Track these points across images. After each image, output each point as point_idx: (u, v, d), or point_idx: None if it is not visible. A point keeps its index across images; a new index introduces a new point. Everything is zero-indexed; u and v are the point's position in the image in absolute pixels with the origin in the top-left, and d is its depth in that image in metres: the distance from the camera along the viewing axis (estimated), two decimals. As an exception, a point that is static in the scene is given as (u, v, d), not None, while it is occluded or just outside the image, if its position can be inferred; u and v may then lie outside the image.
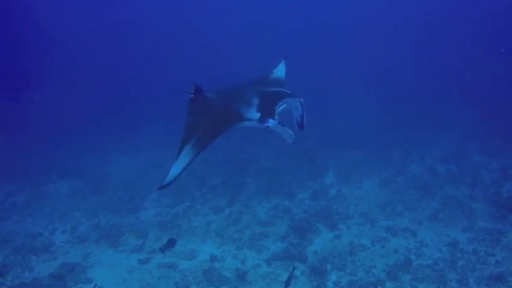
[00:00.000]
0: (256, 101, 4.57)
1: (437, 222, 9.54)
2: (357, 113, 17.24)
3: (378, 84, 21.35)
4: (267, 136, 15.93)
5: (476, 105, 16.95)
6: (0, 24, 21.06)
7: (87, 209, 11.24)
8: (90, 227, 10.41)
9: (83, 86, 22.09)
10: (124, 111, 19.48)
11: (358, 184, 11.68)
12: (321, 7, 33.21)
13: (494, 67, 21.41)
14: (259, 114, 4.39)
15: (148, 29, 30.77)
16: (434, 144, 13.92)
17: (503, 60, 21.73)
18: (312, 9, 33.76)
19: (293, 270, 7.44)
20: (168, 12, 33.92)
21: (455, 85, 20.14)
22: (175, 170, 4.18)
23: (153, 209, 11.35)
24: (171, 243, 8.54)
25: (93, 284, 7.69)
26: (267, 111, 4.40)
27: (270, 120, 4.31)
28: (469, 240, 8.79)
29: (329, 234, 9.44)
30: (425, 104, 17.94)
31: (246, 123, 4.45)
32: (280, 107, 4.47)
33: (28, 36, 23.09)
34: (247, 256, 8.92)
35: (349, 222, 9.86)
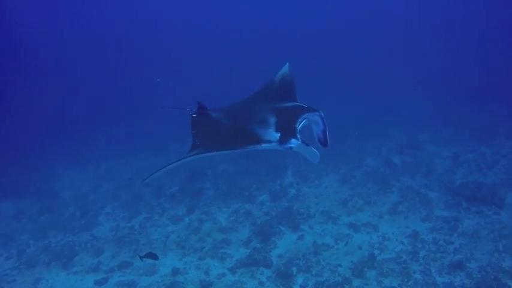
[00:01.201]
0: (272, 119, 4.07)
1: (397, 214, 9.63)
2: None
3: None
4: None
5: (425, 96, 17.53)
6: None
7: (35, 229, 10.52)
8: (39, 250, 9.71)
9: (22, 96, 20.88)
10: (68, 122, 18.53)
11: (318, 182, 11.65)
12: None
13: (443, 59, 22.33)
14: (279, 135, 3.91)
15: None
16: (388, 136, 14.18)
17: (452, 51, 22.74)
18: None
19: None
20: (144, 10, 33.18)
21: (405, 77, 20.78)
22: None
23: (108, 223, 10.78)
24: (152, 256, 7.93)
25: None
26: (287, 131, 3.93)
27: (293, 141, 3.85)
28: (428, 230, 8.92)
29: (292, 236, 9.30)
30: (377, 96, 18.34)
31: (264, 145, 3.94)
32: (300, 124, 4.03)
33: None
34: (210, 266, 8.61)
35: (311, 221, 9.76)
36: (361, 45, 28.51)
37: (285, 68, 5.39)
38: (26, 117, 18.71)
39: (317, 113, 4.14)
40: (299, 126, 4.01)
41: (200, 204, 11.12)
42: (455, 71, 20.27)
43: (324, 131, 4.12)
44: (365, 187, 11.02)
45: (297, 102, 4.72)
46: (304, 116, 4.09)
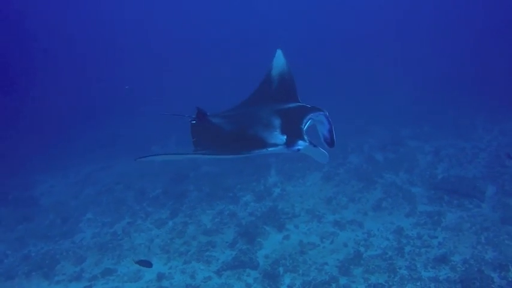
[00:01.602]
0: (277, 122, 3.94)
1: (381, 211, 9.68)
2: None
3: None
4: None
5: (404, 92, 17.74)
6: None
7: (13, 239, 10.22)
8: (18, 260, 9.43)
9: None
10: (45, 126, 18.09)
11: (302, 180, 11.63)
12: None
13: (423, 56, 22.68)
14: (285, 137, 3.78)
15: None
16: (370, 133, 14.28)
17: (431, 46, 23.11)
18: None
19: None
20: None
21: (384, 73, 20.99)
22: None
23: (90, 230, 10.55)
24: (146, 263, 7.73)
25: None
26: (293, 133, 3.80)
27: (300, 142, 3.73)
28: (412, 225, 8.99)
29: (278, 236, 9.24)
30: (357, 93, 18.48)
31: (270, 149, 3.81)
32: (306, 125, 3.91)
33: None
34: (196, 269, 8.49)
35: (296, 220, 9.73)
36: (344, 42, 28.72)
37: (280, 58, 5.09)
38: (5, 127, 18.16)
39: (321, 113, 4.04)
40: (305, 127, 3.90)
41: (184, 207, 10.98)
42: (435, 67, 20.60)
43: (330, 131, 4.02)
44: (349, 184, 11.05)
45: (299, 100, 4.60)
46: (309, 117, 3.98)
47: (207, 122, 4.48)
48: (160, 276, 8.32)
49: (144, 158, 3.64)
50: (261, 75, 5.24)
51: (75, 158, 15.51)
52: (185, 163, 13.75)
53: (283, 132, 3.84)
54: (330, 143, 4.00)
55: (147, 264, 7.57)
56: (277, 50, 5.06)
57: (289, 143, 3.76)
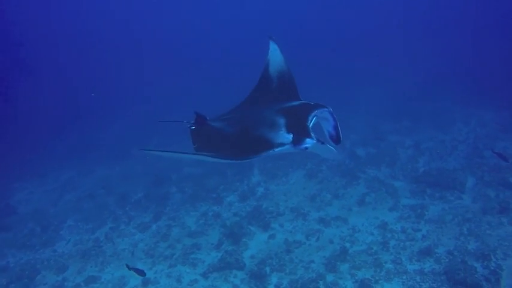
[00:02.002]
0: (281, 121, 3.81)
1: (365, 206, 9.73)
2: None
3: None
4: (183, 140, 15.36)
5: (384, 87, 17.89)
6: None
7: (-10, 250, 9.88)
8: (-3, 272, 9.13)
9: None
10: (21, 130, 17.57)
11: (285, 179, 11.61)
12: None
13: (401, 51, 22.94)
14: (292, 136, 3.67)
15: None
16: (351, 129, 14.33)
17: (407, 41, 23.37)
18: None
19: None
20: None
21: (362, 67, 21.15)
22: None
23: (71, 237, 10.30)
24: (140, 272, 7.50)
25: None
26: (299, 131, 3.68)
27: (308, 140, 3.60)
28: (396, 220, 9.06)
29: (263, 235, 9.20)
30: (335, 86, 18.52)
31: (278, 149, 3.69)
32: (311, 122, 3.78)
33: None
34: (182, 273, 8.38)
35: (281, 219, 9.70)
36: (325, 37, 28.85)
37: (275, 52, 4.79)
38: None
39: (326, 109, 3.90)
40: (310, 125, 3.77)
41: (167, 209, 10.84)
42: (413, 62, 20.86)
43: (336, 127, 3.86)
44: (332, 181, 11.08)
45: (299, 97, 4.49)
46: (313, 114, 3.84)
47: (208, 127, 4.32)
48: (145, 282, 8.18)
49: (147, 151, 3.58)
50: (258, 73, 5.03)
51: (53, 164, 15.16)
52: (167, 165, 13.59)
53: (289, 131, 3.73)
54: (336, 139, 3.84)
55: (141, 273, 7.36)
56: (270, 43, 4.79)
57: (296, 142, 3.66)
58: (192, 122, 4.48)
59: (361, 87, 18.43)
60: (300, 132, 3.68)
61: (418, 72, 19.41)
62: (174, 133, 16.20)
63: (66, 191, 12.97)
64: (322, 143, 3.67)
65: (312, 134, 3.67)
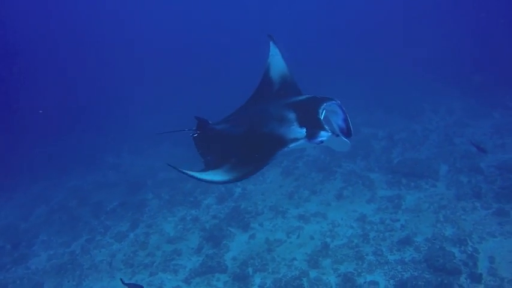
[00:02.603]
0: (291, 115, 3.62)
1: (343, 200, 9.79)
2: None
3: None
4: (159, 145, 15.10)
5: (355, 79, 18.06)
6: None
7: (-42, 272, 9.40)
8: (-34, 294, 8.71)
9: None
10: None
11: (262, 178, 11.55)
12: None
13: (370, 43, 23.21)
14: (305, 130, 3.48)
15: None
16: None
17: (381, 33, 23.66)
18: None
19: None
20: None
21: (334, 59, 21.32)
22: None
23: (45, 252, 9.93)
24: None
25: None
26: (312, 124, 3.48)
27: (322, 133, 3.42)
28: (374, 211, 9.14)
29: (243, 236, 9.11)
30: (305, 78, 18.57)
31: (292, 145, 3.48)
32: (322, 115, 3.58)
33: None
34: (163, 280, 8.20)
35: (260, 218, 9.64)
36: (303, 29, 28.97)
37: (275, 55, 4.65)
38: None
39: (334, 102, 3.72)
40: (322, 118, 3.58)
41: (144, 216, 10.60)
42: (383, 52, 21.16)
43: (346, 120, 3.68)
44: (309, 177, 11.10)
45: (302, 93, 4.34)
46: (323, 107, 3.66)
47: (211, 131, 4.12)
48: (126, 293, 7.95)
49: (178, 170, 3.30)
50: (258, 77, 4.90)
51: (22, 177, 14.58)
52: (142, 171, 13.34)
53: (301, 125, 3.55)
54: (347, 132, 3.64)
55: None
56: (271, 46, 4.65)
57: (311, 136, 3.47)
58: (194, 128, 4.28)
59: (335, 78, 18.53)
60: (313, 126, 3.50)
61: (390, 63, 19.69)
62: (146, 137, 15.95)
63: (37, 204, 12.50)
64: (337, 135, 3.55)
65: (326, 127, 3.52)
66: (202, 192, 11.21)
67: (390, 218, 8.81)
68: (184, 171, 3.36)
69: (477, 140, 11.45)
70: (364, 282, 7.17)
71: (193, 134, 4.22)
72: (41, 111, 17.81)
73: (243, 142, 3.81)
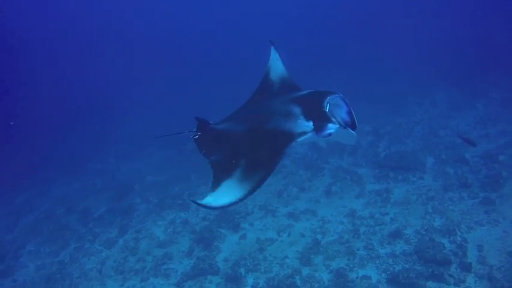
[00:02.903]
0: (297, 109, 3.58)
1: (332, 196, 9.81)
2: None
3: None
4: (145, 148, 14.95)
5: (338, 71, 18.08)
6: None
7: None
8: (-47, 310, 8.51)
9: None
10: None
11: (250, 177, 11.48)
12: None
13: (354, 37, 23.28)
14: (312, 123, 3.43)
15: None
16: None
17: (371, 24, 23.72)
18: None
19: None
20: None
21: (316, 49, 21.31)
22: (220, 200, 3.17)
23: (32, 263, 9.75)
24: None
25: None
26: (318, 117, 3.43)
27: (330, 126, 3.38)
28: (363, 206, 9.18)
29: (234, 237, 9.07)
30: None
31: (300, 139, 3.43)
32: (327, 108, 3.55)
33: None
34: (155, 285, 8.13)
35: (250, 218, 9.60)
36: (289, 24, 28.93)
37: (275, 60, 4.69)
38: None
39: (337, 95, 3.71)
40: (327, 110, 3.54)
41: (133, 222, 10.48)
42: (367, 46, 21.26)
43: (349, 112, 3.66)
44: (297, 174, 11.09)
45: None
46: (327, 100, 3.63)
47: (213, 131, 4.05)
48: (117, 300, 7.87)
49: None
50: (258, 78, 4.90)
51: (5, 186, 14.29)
52: (128, 175, 13.18)
53: (307, 119, 3.51)
54: (352, 125, 3.60)
55: None
56: (271, 51, 4.68)
57: (318, 128, 3.43)
58: (194, 130, 4.22)
59: (314, 70, 18.48)
60: (320, 119, 3.46)
61: (375, 55, 19.76)
62: (132, 140, 15.79)
63: (23, 214, 12.27)
64: (345, 127, 3.52)
65: (333, 119, 3.48)
66: (191, 194, 11.12)
67: (379, 211, 8.86)
68: (203, 203, 3.28)
69: (462, 130, 11.61)
70: (357, 277, 7.19)
71: (193, 137, 4.16)
72: (12, 123, 17.47)
73: (249, 140, 3.76)
